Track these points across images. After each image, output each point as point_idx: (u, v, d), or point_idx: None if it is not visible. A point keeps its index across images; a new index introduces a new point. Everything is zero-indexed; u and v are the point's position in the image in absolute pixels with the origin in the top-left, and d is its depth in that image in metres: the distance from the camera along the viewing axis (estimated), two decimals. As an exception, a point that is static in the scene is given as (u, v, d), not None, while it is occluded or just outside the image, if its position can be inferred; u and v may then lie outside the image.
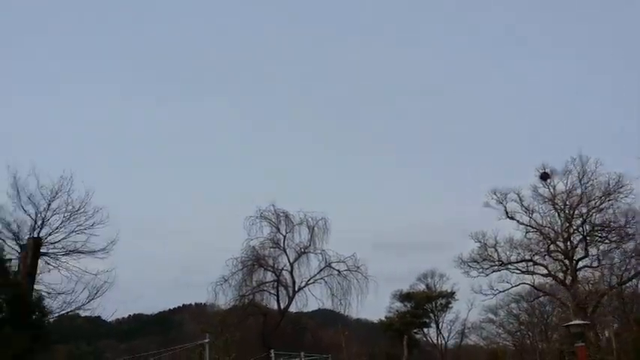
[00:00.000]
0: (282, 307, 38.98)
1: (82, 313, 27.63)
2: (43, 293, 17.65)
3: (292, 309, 40.09)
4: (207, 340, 20.75)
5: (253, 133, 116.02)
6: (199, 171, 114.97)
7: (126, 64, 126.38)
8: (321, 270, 39.16)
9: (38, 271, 18.98)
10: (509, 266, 43.81)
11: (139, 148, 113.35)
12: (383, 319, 64.91)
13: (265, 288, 38.98)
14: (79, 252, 20.94)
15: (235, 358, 33.02)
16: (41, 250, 19.36)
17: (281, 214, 39.07)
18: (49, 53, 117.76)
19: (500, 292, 45.86)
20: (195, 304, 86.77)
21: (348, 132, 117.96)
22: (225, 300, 38.44)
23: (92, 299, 21.55)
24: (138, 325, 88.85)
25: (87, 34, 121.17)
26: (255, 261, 38.75)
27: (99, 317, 45.69)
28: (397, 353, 56.73)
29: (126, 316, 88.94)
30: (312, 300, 40.00)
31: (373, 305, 58.42)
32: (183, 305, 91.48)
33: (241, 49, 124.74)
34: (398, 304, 64.90)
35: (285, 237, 39.00)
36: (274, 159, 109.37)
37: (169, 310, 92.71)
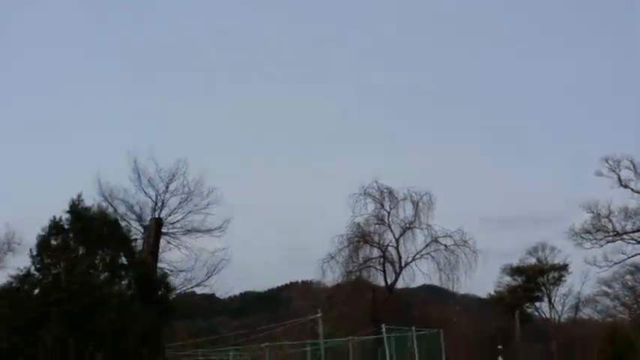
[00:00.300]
0: (389, 282, 39.10)
1: (198, 291, 29.04)
2: (166, 271, 18.63)
3: (399, 284, 40.11)
4: (319, 315, 21.16)
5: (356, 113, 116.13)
6: (299, 149, 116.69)
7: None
8: (427, 245, 38.84)
9: (160, 250, 20.18)
10: (625, 236, 41.74)
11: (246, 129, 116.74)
12: (492, 293, 63.44)
13: (372, 264, 39.18)
14: (197, 231, 22.13)
15: (345, 333, 33.48)
16: (162, 230, 20.53)
17: (385, 191, 39.00)
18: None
19: (616, 263, 44.04)
20: (302, 281, 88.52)
21: (444, 105, 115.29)
22: (332, 277, 39.04)
23: (210, 276, 22.81)
24: (248, 303, 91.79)
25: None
26: (360, 237, 38.96)
27: (213, 295, 47.64)
28: (508, 328, 55.38)
29: (237, 293, 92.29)
30: (418, 275, 39.82)
31: (479, 280, 57.04)
32: (290, 283, 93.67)
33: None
34: (507, 279, 63.15)
35: (389, 213, 38.95)
36: (374, 135, 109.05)
37: (277, 287, 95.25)
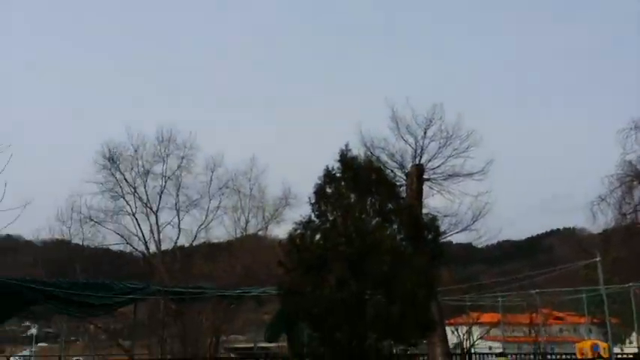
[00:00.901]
0: (671, 224, 34.78)
1: (454, 240, 28.94)
2: (433, 215, 18.71)
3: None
4: (598, 259, 19.62)
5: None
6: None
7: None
8: None
9: (424, 196, 20.46)
10: None
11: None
12: None
13: (649, 205, 35.09)
14: (458, 175, 21.94)
15: (623, 280, 30.94)
16: (424, 176, 20.74)
17: (660, 122, 34.37)
18: None
19: None
20: (563, 228, 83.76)
21: None
22: (604, 220, 35.94)
23: (476, 220, 22.59)
24: (506, 251, 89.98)
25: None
26: (634, 177, 35.16)
27: (470, 244, 47.43)
28: None
29: (494, 242, 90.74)
30: None
31: None
32: (550, 230, 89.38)
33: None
34: None
35: (667, 147, 34.33)
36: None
37: (536, 235, 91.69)
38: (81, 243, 38.81)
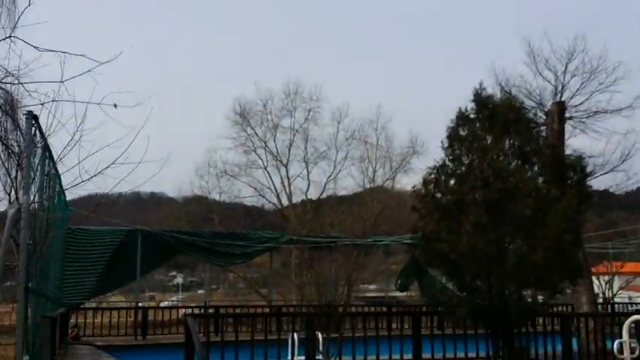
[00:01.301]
0: None
1: (598, 184, 27.01)
2: (579, 154, 17.50)
3: None
4: None
5: None
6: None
7: None
8: None
9: (566, 136, 19.19)
10: None
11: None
12: None
13: None
14: (604, 112, 20.34)
15: None
16: (565, 115, 19.41)
17: None
18: None
19: None
20: None
21: None
22: None
23: (624, 160, 20.97)
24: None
25: None
26: None
27: (606, 190, 44.70)
28: None
29: (634, 188, 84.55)
30: None
31: None
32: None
33: None
34: None
35: None
36: None
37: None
38: (218, 197, 40.78)
